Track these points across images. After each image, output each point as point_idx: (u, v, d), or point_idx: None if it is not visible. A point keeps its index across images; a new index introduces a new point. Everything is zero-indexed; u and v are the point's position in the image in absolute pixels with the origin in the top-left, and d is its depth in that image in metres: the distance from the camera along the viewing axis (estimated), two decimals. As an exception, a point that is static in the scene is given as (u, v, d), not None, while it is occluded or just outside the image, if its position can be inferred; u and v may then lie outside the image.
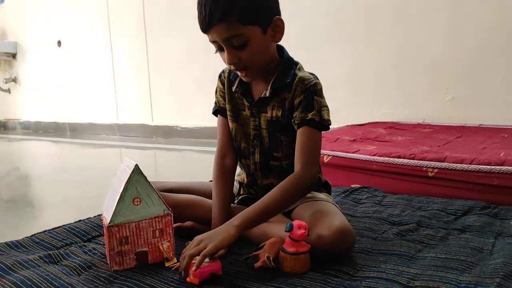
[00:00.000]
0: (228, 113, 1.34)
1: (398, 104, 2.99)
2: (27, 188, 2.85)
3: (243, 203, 1.38)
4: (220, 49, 1.18)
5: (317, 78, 1.24)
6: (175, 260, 1.14)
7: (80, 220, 1.47)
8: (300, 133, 1.20)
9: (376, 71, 3.04)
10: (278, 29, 1.19)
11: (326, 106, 1.23)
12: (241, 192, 1.41)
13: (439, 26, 2.85)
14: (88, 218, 1.49)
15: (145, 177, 1.12)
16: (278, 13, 1.21)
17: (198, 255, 1.02)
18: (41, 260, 1.16)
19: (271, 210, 1.15)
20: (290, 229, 1.05)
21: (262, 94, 1.26)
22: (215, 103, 1.39)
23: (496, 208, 1.45)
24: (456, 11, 2.78)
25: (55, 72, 5.18)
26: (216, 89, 1.38)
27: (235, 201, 1.40)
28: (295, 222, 1.06)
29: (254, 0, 1.13)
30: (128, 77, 4.63)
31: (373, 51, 3.02)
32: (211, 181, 1.49)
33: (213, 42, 1.16)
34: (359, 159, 1.83)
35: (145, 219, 1.12)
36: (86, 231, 1.38)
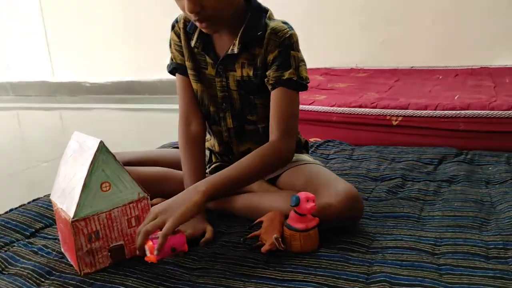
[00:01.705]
0: (189, 71, 1.12)
1: (329, 49, 2.90)
2: None
3: (217, 171, 1.20)
4: None
5: (292, 28, 1.05)
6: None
7: (11, 210, 1.20)
8: (275, 95, 1.03)
9: (305, 14, 2.91)
10: None
11: (303, 61, 1.06)
12: (213, 160, 1.23)
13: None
14: (21, 205, 1.22)
15: (114, 156, 0.89)
16: None
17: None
18: (-21, 272, 0.90)
19: (244, 179, 0.99)
20: (297, 203, 0.91)
21: (229, 50, 1.05)
22: (171, 59, 1.17)
23: (468, 154, 1.43)
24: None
25: None
26: (170, 43, 1.16)
27: (207, 171, 1.21)
28: (302, 194, 0.92)
29: None
30: (17, 27, 4.01)
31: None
32: (176, 147, 1.30)
33: None
34: (317, 111, 1.72)
35: (117, 207, 0.91)
36: (26, 224, 1.12)
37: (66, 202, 0.90)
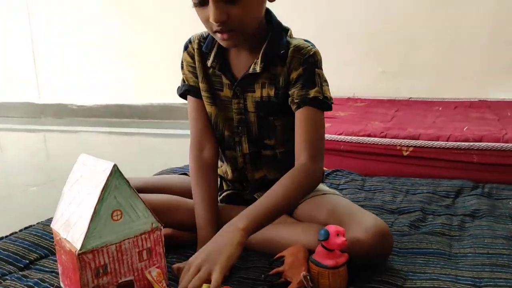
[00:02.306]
0: (203, 94, 1.06)
1: (326, 77, 2.87)
2: None
3: (228, 200, 1.12)
4: (200, 2, 0.91)
5: (315, 46, 1.01)
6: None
7: (2, 238, 1.09)
8: (301, 115, 0.97)
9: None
10: None
11: (326, 81, 1.01)
12: (225, 187, 1.15)
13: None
14: (13, 233, 1.12)
15: (127, 181, 0.80)
16: None
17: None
18: (-31, 311, 0.79)
19: (282, 208, 0.92)
20: (326, 237, 0.83)
21: (250, 69, 0.99)
22: (183, 80, 1.10)
23: (484, 187, 1.38)
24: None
25: None
26: (182, 64, 1.09)
27: (218, 199, 1.13)
28: (331, 228, 0.84)
29: None
30: (3, 47, 3.90)
31: (303, 22, 2.85)
32: (183, 173, 1.22)
33: None
34: (325, 139, 1.65)
35: (128, 238, 0.82)
36: (19, 254, 1.01)
37: (72, 232, 0.80)
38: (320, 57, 1.00)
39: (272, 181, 1.01)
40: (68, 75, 3.73)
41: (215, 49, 1.02)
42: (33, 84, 3.85)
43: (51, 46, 3.74)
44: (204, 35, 1.06)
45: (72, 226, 0.81)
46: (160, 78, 3.41)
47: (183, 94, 1.10)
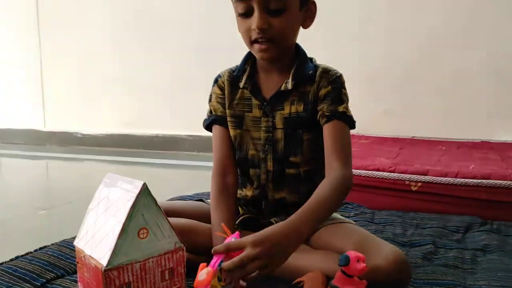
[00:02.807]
0: (228, 119, 1.12)
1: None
2: None
3: (244, 225, 1.14)
4: (245, 13, 1.01)
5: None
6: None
7: (17, 257, 1.09)
8: (331, 127, 1.04)
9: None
10: (310, 13, 1.08)
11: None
12: (241, 212, 1.16)
13: (374, 38, 2.86)
14: (28, 253, 1.12)
15: (155, 200, 0.82)
16: None
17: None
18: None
19: (325, 213, 0.97)
20: (346, 262, 0.85)
21: (282, 87, 1.07)
22: (210, 112, 1.17)
23: (493, 223, 1.40)
24: (391, 23, 2.81)
25: None
26: (211, 97, 1.17)
27: (235, 223, 1.14)
28: (352, 254, 0.86)
29: None
30: (13, 74, 3.97)
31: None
32: (200, 200, 1.23)
33: (242, 0, 0.99)
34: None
35: (152, 257, 0.83)
36: (36, 273, 1.02)
37: (97, 249, 0.81)
38: (344, 80, 1.10)
39: (290, 204, 1.07)
40: (75, 104, 3.78)
41: (247, 73, 1.11)
42: (39, 111, 3.89)
43: (59, 74, 3.80)
44: (233, 69, 1.15)
45: (98, 243, 0.82)
46: (165, 110, 3.47)
47: (209, 125, 1.17)
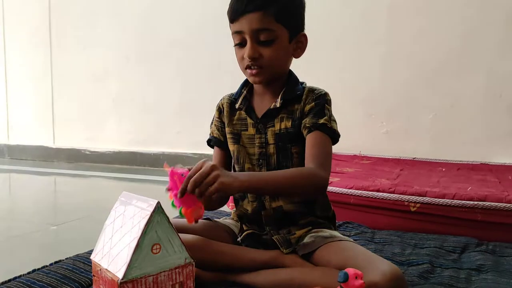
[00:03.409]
0: (228, 136, 1.25)
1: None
2: None
3: (248, 240, 1.20)
4: (240, 43, 1.13)
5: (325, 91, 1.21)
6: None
7: (34, 270, 1.15)
8: (311, 137, 1.14)
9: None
10: (301, 45, 1.19)
11: (335, 120, 1.19)
12: (244, 229, 1.23)
13: (375, 61, 2.94)
14: (44, 267, 1.18)
15: (168, 218, 0.89)
16: (303, 30, 1.19)
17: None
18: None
19: (278, 186, 1.06)
20: (345, 279, 0.90)
21: (272, 106, 1.18)
22: (210, 133, 1.31)
23: (489, 244, 1.45)
24: (391, 47, 2.90)
25: None
26: (213, 120, 1.30)
27: (239, 239, 1.21)
28: (350, 271, 0.91)
29: (293, 4, 1.15)
30: (24, 91, 4.07)
31: (310, 81, 3.02)
32: (207, 219, 1.30)
33: (237, 32, 1.12)
34: (336, 192, 1.74)
35: (164, 271, 0.89)
36: (52, 285, 1.08)
37: (114, 263, 0.88)
38: (330, 98, 1.19)
39: (288, 213, 1.16)
40: (83, 122, 3.87)
41: (242, 95, 1.23)
42: (49, 129, 3.98)
43: (69, 93, 3.91)
44: (234, 94, 1.26)
45: (114, 257, 0.89)
46: (172, 128, 3.55)
47: (208, 143, 1.31)
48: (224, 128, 1.26)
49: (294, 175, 1.09)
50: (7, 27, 4.08)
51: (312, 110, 1.15)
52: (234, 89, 1.28)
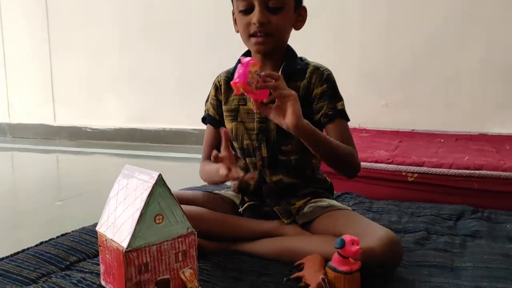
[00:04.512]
0: (225, 113, 1.25)
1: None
2: None
3: (250, 212, 1.23)
4: (246, 10, 1.11)
5: None
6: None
7: (42, 243, 1.19)
8: (335, 128, 1.15)
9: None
10: (301, 18, 1.19)
11: None
12: (246, 200, 1.25)
13: (374, 34, 2.93)
14: (51, 239, 1.22)
15: (169, 190, 0.92)
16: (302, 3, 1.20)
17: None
18: (25, 300, 0.89)
19: (333, 150, 1.09)
20: (342, 245, 0.93)
21: None
22: (205, 111, 1.31)
23: (484, 212, 1.48)
24: (390, 19, 2.88)
25: None
26: (208, 97, 1.30)
27: (240, 211, 1.24)
28: (347, 237, 0.94)
29: None
30: (23, 69, 4.07)
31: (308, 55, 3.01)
32: (207, 191, 1.32)
33: None
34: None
35: (167, 240, 0.92)
36: (60, 256, 1.11)
37: (118, 233, 0.91)
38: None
39: (288, 185, 1.19)
40: (84, 99, 3.87)
41: None
42: (49, 106, 3.99)
43: (68, 71, 3.90)
44: (230, 70, 1.25)
45: (118, 228, 0.92)
46: (172, 104, 3.56)
47: (203, 120, 1.31)
48: (220, 107, 1.26)
49: (347, 151, 1.11)
50: (3, 4, 4.04)
51: (325, 94, 1.15)
52: (234, 63, 1.27)
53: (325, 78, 1.16)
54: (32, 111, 4.07)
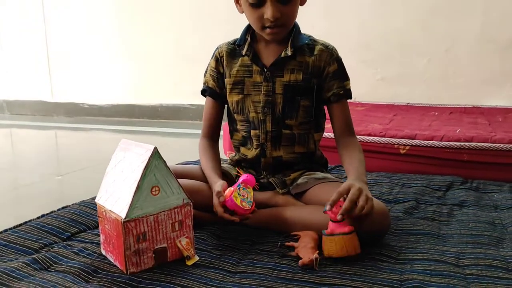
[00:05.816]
0: (228, 87, 1.25)
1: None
2: None
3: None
4: (257, 4, 1.10)
5: None
6: (197, 258, 0.99)
7: (43, 215, 1.23)
8: (341, 107, 1.23)
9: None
10: None
11: None
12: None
13: (368, 6, 2.92)
14: (52, 212, 1.25)
15: (165, 162, 0.95)
16: None
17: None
18: (29, 267, 0.93)
19: (363, 165, 1.16)
20: (329, 208, 0.98)
21: (282, 54, 1.19)
22: (204, 83, 1.30)
23: (473, 182, 1.52)
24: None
25: None
26: (207, 69, 1.29)
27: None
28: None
29: None
30: (19, 46, 4.06)
31: (304, 29, 3.01)
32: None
33: None
34: (328, 138, 1.79)
35: (164, 211, 0.96)
36: (61, 228, 1.15)
37: (117, 204, 0.95)
38: None
39: (286, 162, 1.22)
40: (81, 76, 3.88)
41: (248, 42, 1.22)
42: (46, 83, 4.00)
43: (65, 47, 3.89)
44: (231, 42, 1.26)
45: (116, 199, 0.95)
46: (168, 80, 3.57)
47: (202, 93, 1.31)
48: (221, 79, 1.26)
49: (360, 156, 1.18)
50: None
51: (337, 73, 1.20)
52: (231, 36, 1.28)
53: (335, 57, 1.20)
54: (29, 88, 4.08)
